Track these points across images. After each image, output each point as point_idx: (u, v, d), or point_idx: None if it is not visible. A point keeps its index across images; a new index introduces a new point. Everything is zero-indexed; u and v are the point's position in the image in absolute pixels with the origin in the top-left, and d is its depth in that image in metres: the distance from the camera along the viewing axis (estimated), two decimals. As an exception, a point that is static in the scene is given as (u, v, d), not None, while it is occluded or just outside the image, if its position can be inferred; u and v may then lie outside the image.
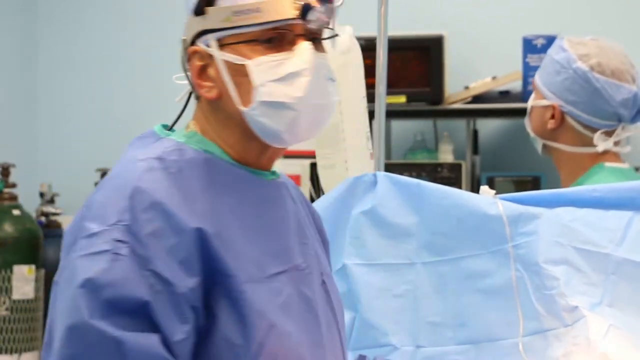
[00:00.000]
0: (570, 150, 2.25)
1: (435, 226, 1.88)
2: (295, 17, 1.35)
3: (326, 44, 1.45)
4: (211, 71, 1.38)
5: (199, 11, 1.39)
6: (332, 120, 2.15)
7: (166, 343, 1.22)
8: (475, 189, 3.13)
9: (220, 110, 1.39)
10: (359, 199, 1.94)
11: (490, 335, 1.76)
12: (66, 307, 1.23)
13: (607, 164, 2.25)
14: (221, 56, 1.37)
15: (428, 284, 1.86)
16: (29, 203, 4.33)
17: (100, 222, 1.27)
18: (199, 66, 1.39)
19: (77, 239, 1.28)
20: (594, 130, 2.22)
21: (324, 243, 1.58)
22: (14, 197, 4.19)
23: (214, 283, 1.28)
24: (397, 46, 3.28)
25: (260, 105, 1.35)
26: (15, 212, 4.14)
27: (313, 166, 3.73)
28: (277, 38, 1.36)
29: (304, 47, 1.36)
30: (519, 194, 1.91)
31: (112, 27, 4.59)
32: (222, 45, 1.37)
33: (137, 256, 1.24)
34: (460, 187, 3.38)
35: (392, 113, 3.62)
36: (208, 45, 1.38)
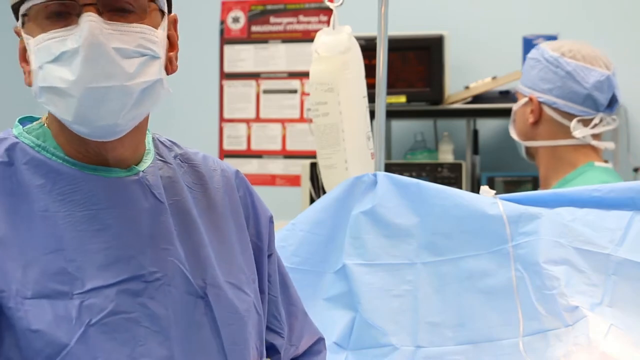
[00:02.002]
0: (552, 144, 2.27)
1: (436, 226, 1.87)
2: None
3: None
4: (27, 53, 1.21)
5: None
6: (333, 120, 2.15)
7: None
8: (475, 189, 3.13)
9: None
10: (359, 198, 1.94)
11: (491, 335, 1.75)
12: None
13: (597, 164, 2.26)
14: (24, 37, 1.21)
15: (428, 284, 1.85)
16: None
17: None
18: (21, 49, 1.23)
19: None
20: (571, 117, 2.23)
21: (258, 249, 1.40)
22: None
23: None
24: (398, 46, 3.28)
25: (40, 91, 1.19)
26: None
27: (313, 166, 3.73)
28: (63, 12, 1.17)
29: (83, 19, 1.15)
30: (519, 194, 1.90)
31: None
32: (24, 23, 1.21)
33: None
34: (460, 187, 3.38)
35: (393, 113, 3.62)
36: (22, 25, 1.21)
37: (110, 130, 1.19)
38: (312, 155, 3.67)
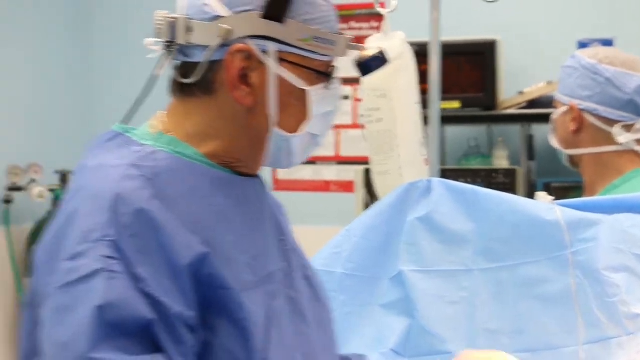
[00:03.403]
0: (595, 152, 2.25)
1: (492, 232, 1.85)
2: (344, 55, 1.35)
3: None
4: (254, 78, 1.28)
5: (273, 16, 1.28)
6: (386, 126, 2.15)
7: None
8: (531, 195, 3.09)
9: (236, 117, 1.30)
10: (413, 205, 1.93)
11: (550, 343, 1.73)
12: (70, 337, 1.11)
13: None
14: (278, 70, 1.29)
15: (485, 290, 1.83)
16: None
17: (81, 239, 1.16)
18: (240, 67, 1.28)
19: (59, 260, 1.17)
20: (612, 123, 2.22)
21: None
22: (72, 204, 4.24)
23: (211, 296, 1.20)
24: (451, 51, 3.26)
25: (305, 135, 1.34)
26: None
27: (367, 172, 3.73)
28: (327, 74, 1.34)
29: (339, 86, 1.37)
30: (576, 200, 1.88)
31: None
32: (281, 59, 1.29)
33: (129, 273, 1.14)
34: (515, 193, 3.35)
35: (446, 119, 3.59)
36: (264, 52, 1.28)
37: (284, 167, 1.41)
38: (365, 161, 3.67)
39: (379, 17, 4.05)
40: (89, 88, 4.70)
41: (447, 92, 3.15)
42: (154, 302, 1.14)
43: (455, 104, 3.72)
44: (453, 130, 4.04)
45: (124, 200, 1.17)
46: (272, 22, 1.28)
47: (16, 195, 4.13)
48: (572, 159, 2.35)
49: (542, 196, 1.90)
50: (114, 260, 1.14)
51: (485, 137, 4.04)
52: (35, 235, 4.14)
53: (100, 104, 4.71)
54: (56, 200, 4.20)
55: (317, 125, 1.35)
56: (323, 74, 1.32)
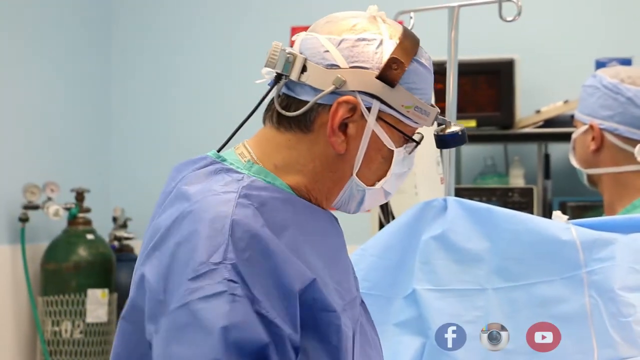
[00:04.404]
0: (616, 171, 2.25)
1: (507, 251, 1.86)
2: (431, 125, 1.43)
3: None
4: (352, 128, 1.37)
5: (386, 79, 1.36)
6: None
7: None
8: (547, 214, 3.09)
9: (325, 159, 1.38)
10: (428, 223, 1.93)
11: (565, 365, 1.73)
12: (192, 354, 1.19)
13: None
14: (375, 127, 1.38)
15: (499, 310, 1.83)
16: (102, 227, 4.40)
17: (203, 261, 1.23)
18: (344, 117, 1.36)
19: (179, 279, 1.23)
20: (634, 143, 2.21)
21: None
22: (88, 222, 4.26)
23: (311, 319, 1.27)
24: (468, 70, 3.27)
25: (380, 190, 1.42)
26: (89, 236, 4.21)
27: (382, 191, 3.73)
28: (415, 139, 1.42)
29: (414, 151, 1.44)
30: (593, 219, 1.88)
31: (182, 61, 4.66)
32: (379, 118, 1.38)
33: (248, 297, 1.22)
34: (531, 212, 3.34)
35: (462, 137, 3.60)
36: (368, 108, 1.37)
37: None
38: (381, 180, 3.68)
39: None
40: (105, 108, 4.73)
41: (464, 110, 3.16)
42: (269, 324, 1.21)
43: (472, 123, 3.72)
44: (469, 149, 4.04)
45: (240, 227, 1.25)
46: (384, 85, 1.36)
47: (32, 213, 4.16)
48: (591, 179, 2.35)
49: (558, 215, 1.90)
50: (236, 284, 1.21)
51: (502, 155, 4.04)
52: (50, 254, 4.16)
53: (116, 124, 4.74)
54: (72, 218, 4.22)
55: (392, 183, 1.43)
56: (411, 139, 1.41)
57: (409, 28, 1.41)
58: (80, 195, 4.29)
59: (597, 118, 2.26)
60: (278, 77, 1.39)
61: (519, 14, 2.10)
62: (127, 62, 4.73)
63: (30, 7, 4.30)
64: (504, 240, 1.86)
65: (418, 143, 1.43)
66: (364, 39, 1.37)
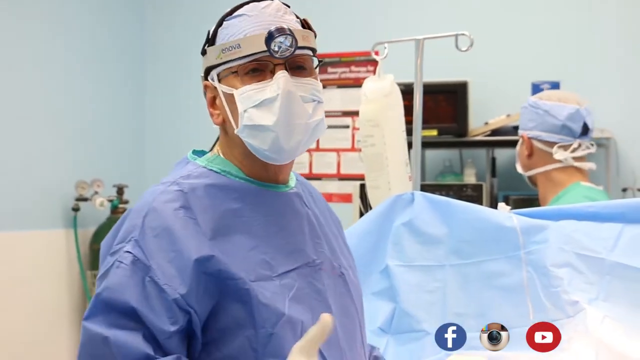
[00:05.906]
0: (544, 170, 2.30)
1: (461, 235, 1.86)
2: (263, 50, 1.27)
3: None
4: (217, 101, 1.33)
5: (203, 52, 1.34)
6: (378, 150, 2.15)
7: (155, 339, 1.17)
8: (494, 205, 3.09)
9: (227, 134, 1.34)
10: (399, 213, 1.93)
11: (506, 324, 1.73)
12: (89, 309, 1.22)
13: (583, 183, 2.27)
14: (220, 88, 1.32)
15: (455, 282, 1.84)
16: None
17: (119, 240, 1.24)
18: (210, 97, 1.34)
19: (107, 254, 1.26)
20: (553, 145, 2.26)
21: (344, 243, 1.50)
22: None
23: (224, 285, 1.22)
24: (430, 90, 3.27)
25: (244, 128, 1.29)
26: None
27: (362, 187, 3.73)
28: (258, 69, 1.29)
29: (278, 75, 1.28)
30: (530, 210, 1.88)
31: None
32: (220, 79, 1.32)
33: (138, 266, 1.20)
34: (481, 204, 3.34)
35: (426, 144, 3.61)
36: (212, 80, 1.33)
37: (291, 155, 1.31)
38: (361, 178, 3.67)
39: (374, 63, 4.07)
40: (142, 117, 4.71)
41: (427, 122, 3.16)
42: (157, 288, 1.19)
43: (434, 132, 3.72)
44: (431, 153, 4.04)
45: (154, 212, 1.24)
46: (205, 56, 1.34)
47: (82, 204, 4.15)
48: (531, 179, 2.38)
49: (502, 206, 1.90)
50: (129, 254, 1.21)
51: (458, 158, 4.04)
52: (97, 237, 4.15)
53: (152, 129, 4.72)
54: (114, 208, 4.21)
55: (257, 116, 1.28)
56: (251, 72, 1.29)
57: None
58: (120, 190, 4.28)
59: (526, 130, 2.31)
60: None
61: (472, 45, 2.10)
62: (161, 81, 4.69)
63: (88, 24, 4.27)
64: (459, 226, 1.86)
65: (254, 70, 1.29)
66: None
